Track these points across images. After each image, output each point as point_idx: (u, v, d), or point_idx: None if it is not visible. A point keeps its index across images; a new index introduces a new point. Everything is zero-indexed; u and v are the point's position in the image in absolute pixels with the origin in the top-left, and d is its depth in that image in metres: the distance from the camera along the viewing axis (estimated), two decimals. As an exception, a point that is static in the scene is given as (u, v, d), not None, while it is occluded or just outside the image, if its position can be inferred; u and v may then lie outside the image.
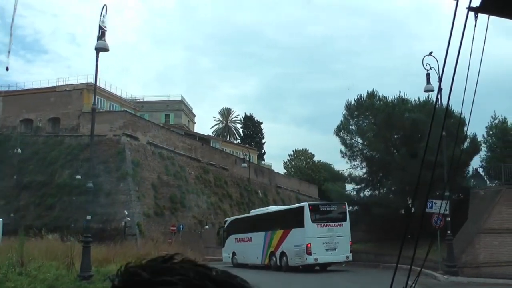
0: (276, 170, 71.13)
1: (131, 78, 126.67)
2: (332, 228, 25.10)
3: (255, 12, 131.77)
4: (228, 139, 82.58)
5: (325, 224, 25.06)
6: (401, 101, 33.19)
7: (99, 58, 19.34)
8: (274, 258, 27.75)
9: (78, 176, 38.89)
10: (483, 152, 34.48)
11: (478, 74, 3.25)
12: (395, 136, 33.31)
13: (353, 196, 34.75)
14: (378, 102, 33.94)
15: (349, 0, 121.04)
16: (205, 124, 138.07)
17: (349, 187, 35.81)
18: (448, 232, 21.57)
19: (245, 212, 46.81)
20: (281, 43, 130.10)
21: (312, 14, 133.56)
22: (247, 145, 70.90)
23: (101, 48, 19.31)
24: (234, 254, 32.38)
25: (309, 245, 24.28)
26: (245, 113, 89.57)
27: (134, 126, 44.81)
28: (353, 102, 35.49)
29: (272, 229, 28.21)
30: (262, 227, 29.50)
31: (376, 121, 32.71)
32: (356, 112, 35.11)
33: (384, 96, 34.05)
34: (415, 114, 30.62)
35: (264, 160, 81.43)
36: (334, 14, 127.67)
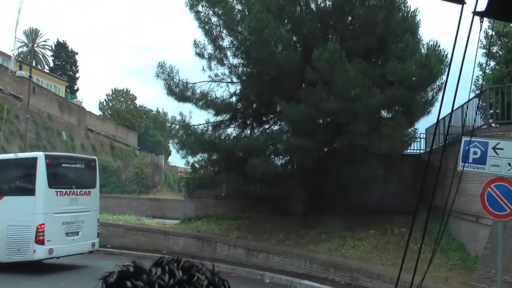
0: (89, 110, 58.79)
1: None
2: (77, 198, 15.72)
3: None
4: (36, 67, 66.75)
5: (68, 191, 15.48)
6: None
7: None
8: None
9: None
10: (467, 70, 18.69)
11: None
12: (309, 17, 17.47)
13: (207, 135, 19.36)
14: None
15: None
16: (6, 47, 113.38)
17: (200, 117, 20.11)
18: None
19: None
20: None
21: None
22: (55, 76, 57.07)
23: None
24: None
25: (41, 226, 14.48)
26: (58, 39, 74.06)
27: None
28: None
29: None
30: None
31: None
32: None
33: None
34: None
35: (76, 98, 67.87)
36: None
